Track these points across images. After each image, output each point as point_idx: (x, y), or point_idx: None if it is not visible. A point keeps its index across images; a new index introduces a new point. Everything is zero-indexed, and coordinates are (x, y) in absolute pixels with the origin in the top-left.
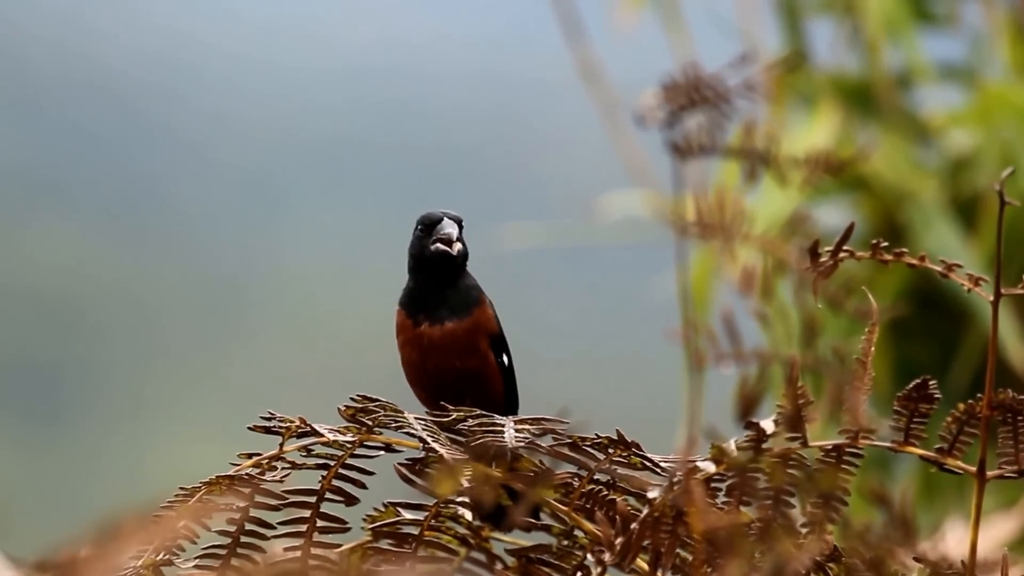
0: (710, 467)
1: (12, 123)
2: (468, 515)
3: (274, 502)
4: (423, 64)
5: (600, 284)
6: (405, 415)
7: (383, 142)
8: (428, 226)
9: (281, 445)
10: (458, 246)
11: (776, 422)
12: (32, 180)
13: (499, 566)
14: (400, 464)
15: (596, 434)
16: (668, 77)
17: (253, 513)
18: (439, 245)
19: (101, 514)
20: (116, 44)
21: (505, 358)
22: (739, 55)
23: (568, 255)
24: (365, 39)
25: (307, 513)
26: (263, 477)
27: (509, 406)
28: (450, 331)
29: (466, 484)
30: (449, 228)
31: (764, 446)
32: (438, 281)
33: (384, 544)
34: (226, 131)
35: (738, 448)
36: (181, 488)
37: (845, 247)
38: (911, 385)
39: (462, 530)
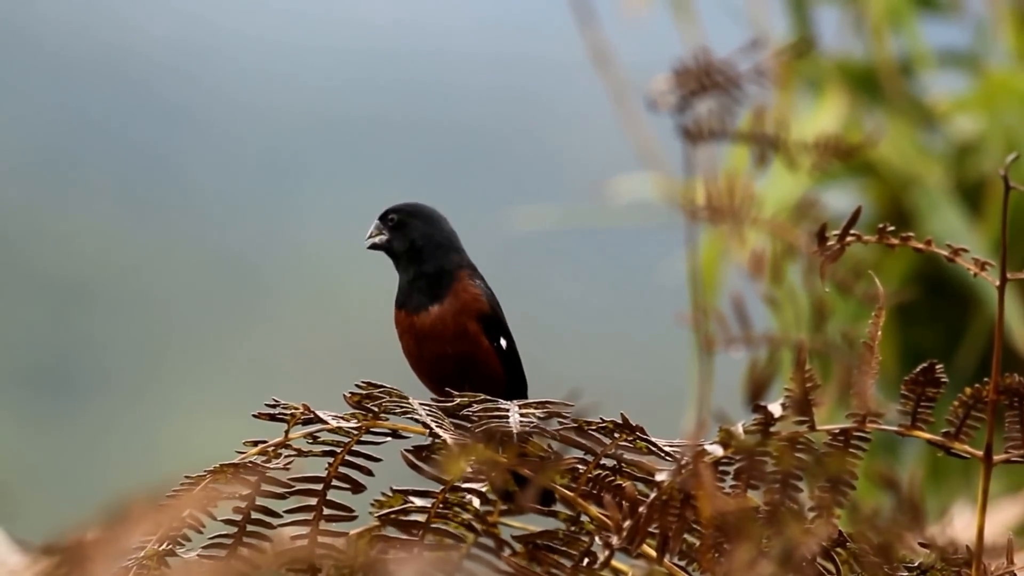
0: (718, 450)
1: (29, 105)
2: (476, 502)
3: (280, 490)
4: (437, 45)
5: (609, 266)
6: (410, 401)
7: (397, 123)
8: None
9: (286, 432)
10: (374, 240)
11: (784, 406)
12: (50, 161)
13: (507, 552)
14: (407, 450)
15: (601, 418)
16: (680, 62)
17: (259, 501)
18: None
19: (109, 497)
20: (134, 26)
21: (503, 341)
22: (750, 41)
23: (578, 237)
24: (380, 21)
25: (314, 500)
26: (269, 465)
27: (514, 390)
28: (437, 316)
29: (473, 470)
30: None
31: (772, 430)
32: (408, 271)
33: (391, 531)
34: (243, 112)
35: (746, 432)
36: (187, 476)
37: (853, 231)
38: (918, 369)
39: (469, 516)
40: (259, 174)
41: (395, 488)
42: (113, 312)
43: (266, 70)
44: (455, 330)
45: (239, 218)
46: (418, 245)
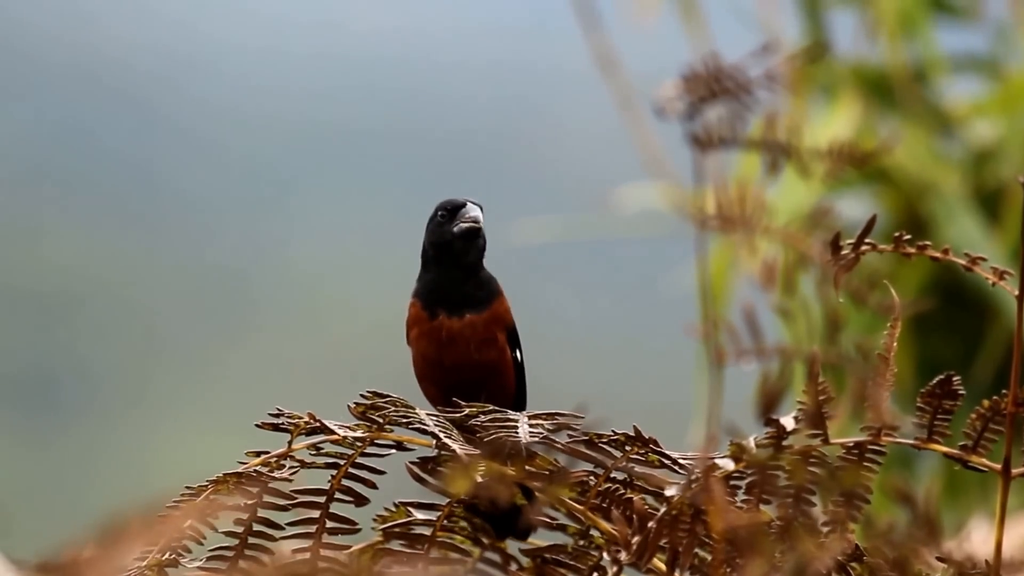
0: (729, 464)
1: (12, 115)
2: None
3: (282, 502)
4: (437, 53)
5: (615, 277)
6: (417, 411)
7: (395, 132)
8: (451, 211)
9: (290, 443)
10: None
11: (797, 419)
12: (33, 171)
13: (513, 567)
14: (412, 463)
15: (612, 431)
16: (688, 68)
17: (261, 513)
18: (464, 225)
19: (105, 513)
20: (122, 36)
21: (518, 353)
22: (760, 45)
23: (583, 248)
24: (378, 27)
25: (316, 513)
26: (271, 476)
27: (519, 402)
28: (470, 323)
29: (480, 483)
30: (475, 211)
31: (785, 443)
32: (460, 268)
33: (395, 545)
34: (231, 121)
35: (758, 445)
36: (187, 487)
37: (867, 240)
38: (935, 381)
39: (475, 530)
40: (248, 185)
41: (399, 501)
42: (99, 326)
43: (255, 79)
44: (485, 336)
45: (227, 229)
46: (479, 249)
